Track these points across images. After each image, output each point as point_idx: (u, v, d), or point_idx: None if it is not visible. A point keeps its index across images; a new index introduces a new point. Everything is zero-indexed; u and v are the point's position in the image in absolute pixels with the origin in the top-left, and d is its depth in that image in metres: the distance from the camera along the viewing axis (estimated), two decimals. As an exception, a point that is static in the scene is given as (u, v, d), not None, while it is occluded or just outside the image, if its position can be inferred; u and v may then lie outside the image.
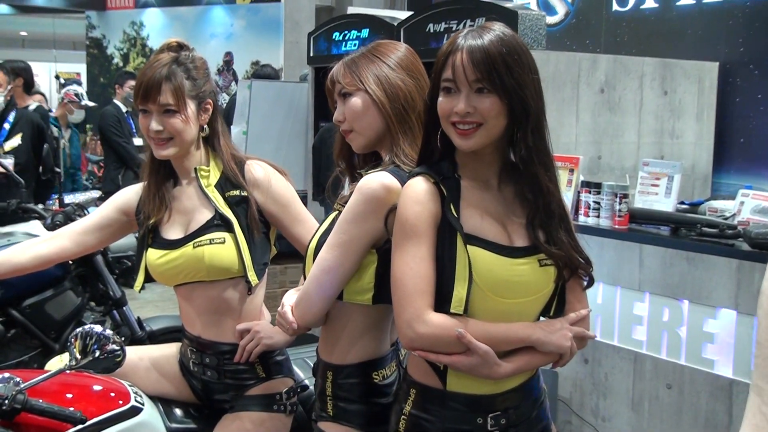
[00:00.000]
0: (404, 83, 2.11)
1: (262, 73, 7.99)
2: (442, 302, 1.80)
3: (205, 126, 2.47)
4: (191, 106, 2.40)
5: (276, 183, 2.49)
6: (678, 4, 6.51)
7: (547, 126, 1.88)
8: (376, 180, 1.95)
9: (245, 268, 2.40)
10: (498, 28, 1.82)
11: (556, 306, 1.93)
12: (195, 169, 2.46)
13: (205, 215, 2.43)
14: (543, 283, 1.87)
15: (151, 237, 2.47)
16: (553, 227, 1.87)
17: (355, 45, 6.17)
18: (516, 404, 1.93)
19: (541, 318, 1.94)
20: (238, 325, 2.45)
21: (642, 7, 6.79)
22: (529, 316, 1.88)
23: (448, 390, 1.89)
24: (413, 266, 1.80)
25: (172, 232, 2.45)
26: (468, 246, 1.79)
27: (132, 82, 7.37)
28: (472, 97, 1.78)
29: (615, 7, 6.99)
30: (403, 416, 1.94)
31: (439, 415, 1.89)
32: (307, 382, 2.70)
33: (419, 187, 1.84)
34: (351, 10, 6.69)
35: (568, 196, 4.72)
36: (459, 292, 1.78)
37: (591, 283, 1.98)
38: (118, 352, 2.24)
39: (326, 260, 2.02)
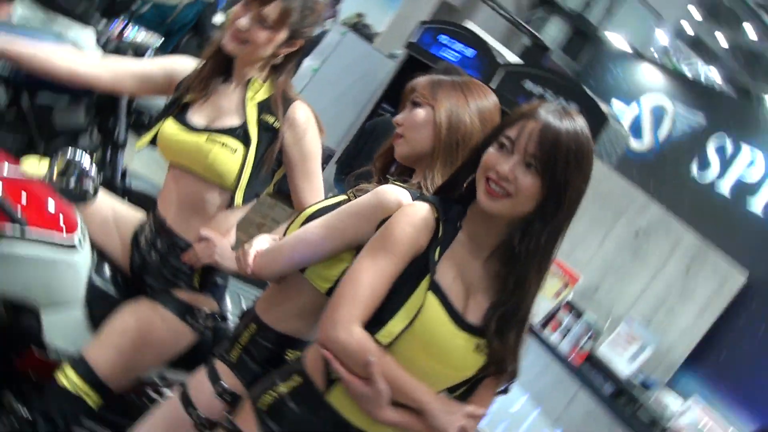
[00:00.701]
0: (471, 123, 2.09)
1: (360, 28, 7.96)
2: (373, 324, 1.77)
3: (281, 57, 2.46)
4: (283, 34, 2.38)
5: (310, 134, 2.47)
6: (747, 208, 6.49)
7: (564, 233, 1.82)
8: (395, 194, 1.92)
9: (237, 186, 2.39)
10: (580, 123, 1.77)
11: (464, 391, 1.88)
12: (250, 79, 2.45)
13: (233, 121, 2.42)
14: (469, 365, 1.83)
15: (178, 111, 2.46)
16: (509, 326, 1.81)
17: (454, 57, 6.15)
18: None
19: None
20: (203, 230, 2.43)
21: (718, 189, 6.78)
22: (438, 385, 1.83)
23: (326, 399, 1.85)
24: (372, 277, 1.77)
25: (197, 117, 2.44)
26: (428, 292, 1.77)
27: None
28: (519, 168, 1.73)
29: (694, 173, 6.98)
30: (272, 392, 1.91)
31: (304, 415, 1.86)
32: (229, 316, 2.69)
33: (420, 213, 1.81)
34: (470, 24, 6.67)
35: (548, 305, 4.73)
36: (394, 326, 1.75)
37: (505, 392, 1.94)
38: (90, 194, 2.22)
39: (312, 234, 2.01)
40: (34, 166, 2.40)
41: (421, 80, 2.17)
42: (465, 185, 1.86)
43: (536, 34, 8.38)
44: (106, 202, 2.61)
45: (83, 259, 2.43)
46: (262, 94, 2.45)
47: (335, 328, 1.75)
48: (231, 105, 2.44)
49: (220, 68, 2.48)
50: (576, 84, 5.12)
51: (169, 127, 2.43)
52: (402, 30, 9.31)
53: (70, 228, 2.36)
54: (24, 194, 2.31)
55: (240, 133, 2.39)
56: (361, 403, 1.77)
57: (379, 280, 1.77)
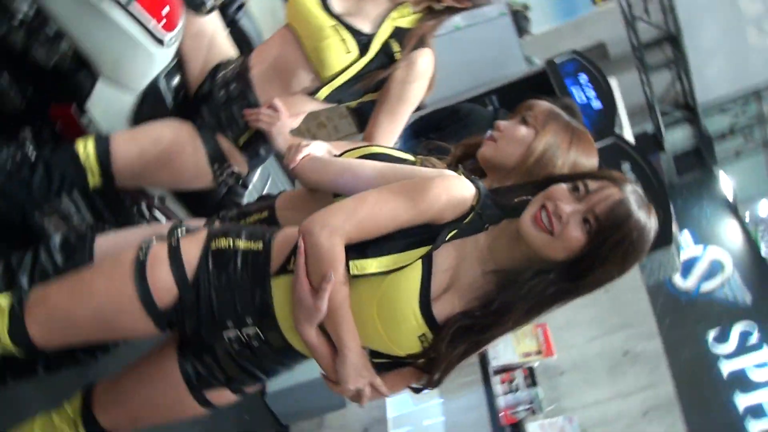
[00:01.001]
0: (559, 168, 2.06)
1: (519, 18, 7.82)
2: (354, 250, 1.75)
3: (443, 5, 2.42)
4: None
5: (419, 84, 2.45)
6: (735, 401, 6.43)
7: (569, 300, 1.78)
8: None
9: (329, 83, 2.39)
10: (653, 225, 1.72)
11: (384, 363, 1.85)
12: (403, 2, 2.42)
13: (365, 26, 2.39)
14: (404, 346, 1.78)
15: None
16: (464, 340, 1.77)
17: (580, 100, 6.05)
18: (273, 361, 1.93)
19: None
20: (277, 99, 2.41)
21: (719, 365, 6.73)
22: (367, 341, 1.79)
23: (268, 280, 1.83)
24: (383, 212, 1.75)
25: (338, 2, 2.41)
26: (418, 260, 1.74)
27: None
28: (577, 217, 1.68)
29: (709, 337, 6.92)
30: (231, 240, 1.87)
31: (241, 279, 1.83)
32: (250, 188, 2.70)
33: (463, 192, 1.79)
34: (613, 81, 6.53)
35: (513, 358, 4.72)
36: (370, 265, 1.74)
37: (417, 391, 1.91)
38: (206, 7, 2.25)
39: (364, 171, 1.97)
40: None
41: (541, 104, 2.14)
42: (516, 200, 1.82)
43: (662, 128, 8.23)
44: (212, 23, 2.61)
45: (163, 58, 2.45)
46: (404, 22, 2.42)
47: (321, 229, 1.74)
48: (372, 12, 2.42)
49: None
50: (666, 196, 5.04)
51: None
52: (552, 43, 9.19)
53: (169, 25, 2.38)
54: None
55: (363, 41, 2.38)
56: (295, 307, 1.76)
57: (387, 219, 1.76)
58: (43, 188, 2.33)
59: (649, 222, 1.72)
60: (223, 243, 1.87)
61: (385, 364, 1.85)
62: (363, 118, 7.23)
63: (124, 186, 2.55)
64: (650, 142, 8.81)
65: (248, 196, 2.74)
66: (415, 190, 1.77)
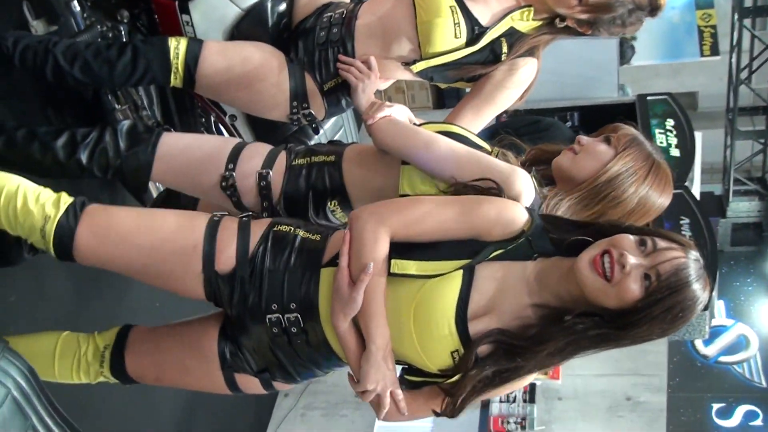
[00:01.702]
0: (628, 197, 2.03)
1: (626, 48, 7.73)
2: (399, 249, 1.75)
3: (565, 23, 2.37)
4: (583, 15, 2.31)
5: (514, 91, 2.43)
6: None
7: (604, 349, 1.75)
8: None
9: (428, 59, 2.36)
10: (703, 298, 1.69)
11: (414, 381, 1.85)
12: (529, 7, 2.37)
13: (484, 18, 2.36)
14: (434, 359, 1.76)
15: None
16: (492, 359, 1.74)
17: (661, 144, 5.97)
18: (307, 358, 1.95)
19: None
20: (372, 58, 2.40)
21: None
22: (400, 349, 1.79)
23: (319, 270, 1.86)
24: (434, 220, 1.75)
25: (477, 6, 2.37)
26: (461, 272, 1.72)
27: None
28: (639, 271, 1.66)
29: (714, 406, 6.84)
30: (292, 228, 1.93)
31: (294, 264, 1.87)
32: (321, 132, 2.69)
33: (515, 215, 1.76)
34: (699, 135, 6.41)
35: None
36: (411, 266, 1.74)
37: (438, 415, 1.87)
38: None
39: (439, 146, 1.97)
40: None
41: (629, 129, 2.12)
42: (573, 239, 1.78)
43: (730, 194, 8.10)
44: None
45: None
46: (522, 26, 2.39)
47: (370, 219, 1.75)
48: (496, 5, 2.39)
49: None
50: (716, 262, 4.96)
51: None
52: (645, 78, 9.06)
53: None
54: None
55: (477, 31, 2.34)
56: (333, 297, 1.78)
57: (435, 227, 1.76)
58: (126, 74, 2.34)
59: (703, 294, 1.70)
60: (285, 228, 1.93)
61: (412, 383, 1.85)
62: (441, 97, 7.25)
63: (201, 94, 2.57)
64: (714, 204, 8.68)
65: (316, 140, 2.74)
66: (471, 204, 1.77)
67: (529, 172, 1.98)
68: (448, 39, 2.33)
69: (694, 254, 1.71)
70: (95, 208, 1.91)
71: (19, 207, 1.85)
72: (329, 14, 2.49)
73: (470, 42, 2.34)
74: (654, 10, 2.30)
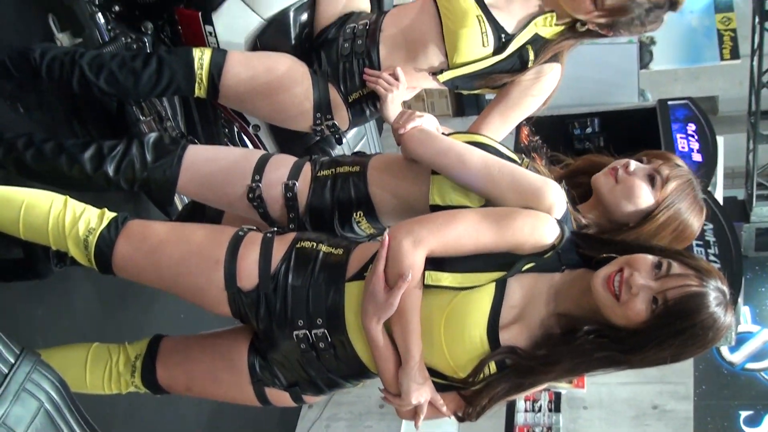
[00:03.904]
0: (662, 238, 2.06)
1: (644, 52, 7.71)
2: (433, 262, 1.77)
3: (586, 27, 2.35)
4: (601, 19, 2.30)
5: (539, 97, 2.43)
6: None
7: (613, 371, 1.77)
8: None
9: (454, 70, 2.36)
10: (725, 324, 1.69)
11: (444, 386, 1.85)
12: (552, 12, 2.36)
13: (509, 26, 2.35)
14: (463, 366, 1.77)
15: None
16: (513, 375, 1.76)
17: (683, 148, 5.94)
18: (336, 372, 1.96)
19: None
20: (399, 69, 2.39)
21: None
22: (428, 356, 1.80)
23: (343, 284, 1.87)
24: (469, 235, 1.77)
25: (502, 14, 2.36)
26: (494, 285, 1.75)
27: None
28: (648, 293, 1.67)
29: (742, 414, 6.77)
30: (315, 243, 1.95)
31: (317, 279, 1.88)
32: (344, 142, 2.68)
33: (546, 230, 1.78)
34: (721, 140, 6.36)
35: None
36: (445, 278, 1.76)
37: (459, 419, 1.90)
38: None
39: (469, 157, 1.95)
40: None
41: (682, 169, 2.12)
42: (602, 255, 1.80)
43: (753, 199, 8.02)
44: None
45: None
46: (546, 31, 2.38)
47: (407, 236, 1.77)
48: (519, 12, 2.38)
49: None
50: (740, 268, 4.92)
51: None
52: (664, 83, 9.01)
53: None
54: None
55: (503, 38, 2.34)
56: (366, 300, 1.78)
57: (470, 242, 1.77)
58: (150, 84, 2.34)
59: (725, 321, 1.69)
60: (308, 245, 1.94)
61: (443, 386, 1.85)
62: (461, 105, 7.24)
63: (225, 105, 2.57)
64: (738, 209, 8.61)
65: (339, 150, 2.74)
66: (506, 218, 1.79)
67: (561, 181, 1.97)
68: (475, 48, 2.32)
69: (714, 283, 1.70)
70: (135, 222, 1.96)
71: (68, 222, 1.91)
72: (352, 25, 2.48)
73: (497, 50, 2.33)
74: (674, 4, 2.28)
